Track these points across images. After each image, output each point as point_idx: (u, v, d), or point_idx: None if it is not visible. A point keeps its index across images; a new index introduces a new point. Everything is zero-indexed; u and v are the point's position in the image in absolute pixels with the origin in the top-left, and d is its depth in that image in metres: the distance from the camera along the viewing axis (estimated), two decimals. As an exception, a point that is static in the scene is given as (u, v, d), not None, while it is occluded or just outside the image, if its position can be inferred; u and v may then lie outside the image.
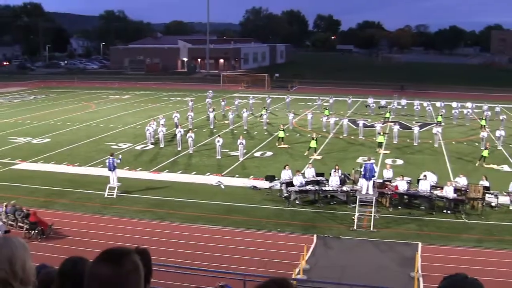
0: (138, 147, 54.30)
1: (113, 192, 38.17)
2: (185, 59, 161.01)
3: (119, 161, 40.02)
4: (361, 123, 62.84)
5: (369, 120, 71.26)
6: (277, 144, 55.79)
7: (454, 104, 78.43)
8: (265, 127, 65.76)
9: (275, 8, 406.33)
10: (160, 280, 20.89)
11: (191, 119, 65.23)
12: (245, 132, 62.05)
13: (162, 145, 54.26)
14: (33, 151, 52.14)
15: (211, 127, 65.12)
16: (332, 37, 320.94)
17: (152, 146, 54.59)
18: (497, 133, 57.95)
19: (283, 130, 56.79)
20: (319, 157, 50.81)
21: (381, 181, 38.46)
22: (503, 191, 38.00)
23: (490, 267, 27.25)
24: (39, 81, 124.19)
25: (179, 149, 52.90)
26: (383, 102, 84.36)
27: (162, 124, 57.13)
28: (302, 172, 39.84)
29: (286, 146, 55.43)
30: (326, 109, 74.19)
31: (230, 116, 67.36)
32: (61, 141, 56.40)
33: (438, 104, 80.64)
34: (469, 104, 78.85)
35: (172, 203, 37.04)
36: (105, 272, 3.58)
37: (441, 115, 71.20)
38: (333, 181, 37.80)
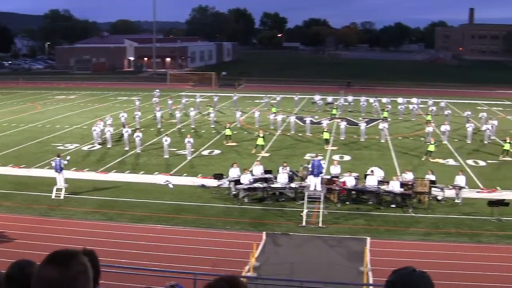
0: (85, 148, 53.80)
1: (60, 194, 37.73)
2: (132, 58, 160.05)
3: (66, 162, 39.67)
4: (308, 120, 63.11)
5: (316, 117, 71.57)
6: (224, 142, 55.78)
7: (400, 100, 79.26)
8: (212, 126, 65.69)
9: (221, 7, 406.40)
10: (110, 281, 20.78)
11: (138, 119, 64.87)
12: (193, 130, 61.88)
13: (109, 145, 53.84)
14: (-22, 153, 51.42)
15: (159, 126, 64.85)
16: (279, 35, 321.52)
17: (99, 146, 54.14)
18: (442, 127, 58.77)
19: (229, 128, 56.86)
20: (266, 155, 50.93)
21: (328, 177, 38.70)
22: (448, 184, 38.55)
23: (437, 259, 27.62)
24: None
25: (126, 149, 52.59)
26: (330, 99, 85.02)
27: (109, 124, 56.67)
28: (250, 170, 39.95)
29: (233, 144, 55.46)
30: (274, 107, 74.46)
31: (178, 115, 67.13)
32: (6, 143, 55.59)
33: (384, 100, 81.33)
34: (414, 100, 79.71)
35: (121, 204, 36.81)
36: (52, 275, 3.54)
37: (387, 111, 71.91)
38: (281, 178, 37.91)
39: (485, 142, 57.68)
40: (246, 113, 74.78)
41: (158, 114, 66.29)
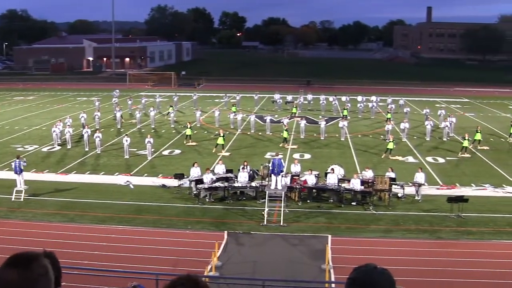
0: (45, 149, 53.35)
1: (20, 196, 37.34)
2: (91, 59, 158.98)
3: (25, 164, 39.35)
4: (268, 119, 63.22)
5: (276, 116, 71.79)
6: (185, 142, 55.70)
7: (359, 98, 79.77)
8: (172, 125, 65.56)
9: (180, 6, 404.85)
10: (71, 283, 20.65)
11: (98, 119, 64.54)
12: (153, 130, 61.71)
13: (69, 146, 53.50)
14: None
15: (118, 126, 64.59)
16: (238, 34, 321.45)
17: (59, 147, 53.77)
18: (402, 125, 59.32)
19: (190, 128, 56.76)
20: (227, 154, 50.91)
21: (289, 176, 38.78)
22: (408, 181, 38.85)
23: (398, 256, 27.89)
24: None
25: (86, 149, 52.24)
26: (289, 98, 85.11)
27: (68, 125, 56.24)
28: (212, 169, 39.95)
29: (194, 143, 55.39)
30: (234, 106, 74.47)
31: (137, 115, 66.80)
32: (-36, 145, 55.05)
33: (343, 98, 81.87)
34: (373, 98, 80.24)
35: (81, 205, 36.52)
36: (13, 278, 3.51)
37: (346, 109, 72.15)
38: (242, 177, 37.95)
39: (444, 139, 58.29)
40: (206, 113, 74.70)
41: (118, 115, 65.99)
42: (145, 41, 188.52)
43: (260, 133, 61.22)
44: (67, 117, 61.32)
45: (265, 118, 64.32)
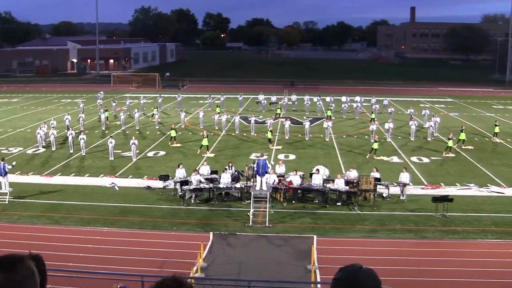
0: (29, 151, 53.12)
1: (5, 198, 37.18)
2: (75, 60, 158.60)
3: (10, 167, 39.15)
4: (252, 119, 63.14)
5: (261, 117, 71.73)
6: (169, 144, 55.62)
7: (343, 99, 79.89)
8: (157, 127, 65.46)
9: (164, 7, 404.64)
10: (56, 285, 20.57)
11: (82, 121, 64.32)
12: (137, 132, 61.54)
13: (53, 148, 53.27)
14: None
15: (103, 128, 64.39)
16: (222, 35, 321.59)
17: (44, 149, 53.55)
18: (386, 125, 59.44)
19: (174, 129, 56.71)
20: (211, 155, 50.87)
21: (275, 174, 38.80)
22: (393, 181, 38.91)
23: (383, 256, 27.93)
24: None
25: (71, 151, 52.05)
26: (273, 98, 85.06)
27: (53, 127, 55.97)
28: (197, 169, 39.92)
29: (178, 145, 55.32)
30: (218, 107, 74.51)
31: (122, 117, 66.59)
32: None
33: (327, 98, 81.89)
34: (358, 98, 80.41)
35: (66, 207, 36.35)
36: (-2, 280, 3.52)
37: (331, 110, 72.21)
38: (224, 178, 37.90)
39: (428, 139, 58.44)
40: (191, 114, 74.67)
41: (102, 116, 65.77)
42: (129, 42, 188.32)
43: (244, 134, 61.18)
44: (52, 119, 61.05)
45: (249, 119, 64.25)
